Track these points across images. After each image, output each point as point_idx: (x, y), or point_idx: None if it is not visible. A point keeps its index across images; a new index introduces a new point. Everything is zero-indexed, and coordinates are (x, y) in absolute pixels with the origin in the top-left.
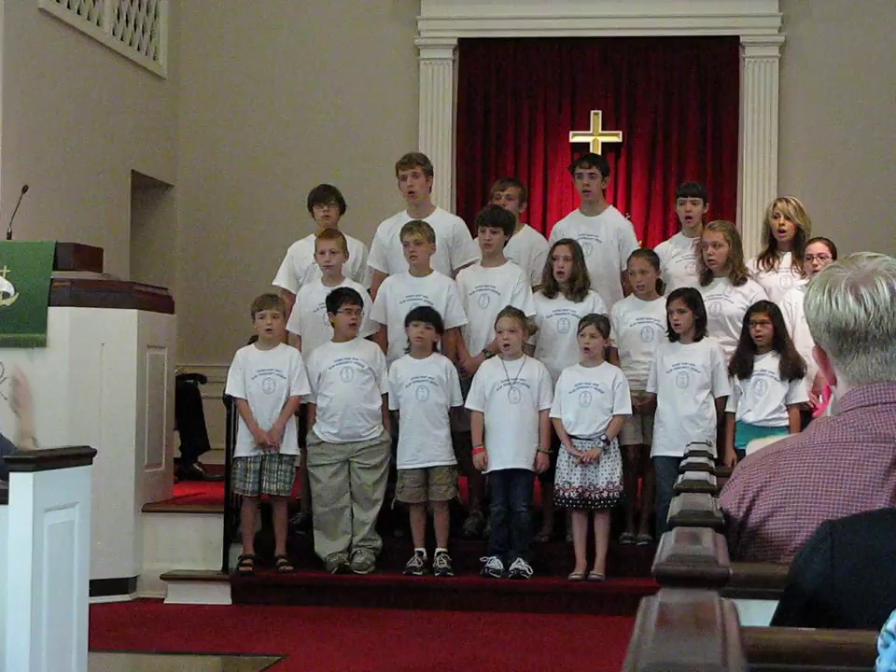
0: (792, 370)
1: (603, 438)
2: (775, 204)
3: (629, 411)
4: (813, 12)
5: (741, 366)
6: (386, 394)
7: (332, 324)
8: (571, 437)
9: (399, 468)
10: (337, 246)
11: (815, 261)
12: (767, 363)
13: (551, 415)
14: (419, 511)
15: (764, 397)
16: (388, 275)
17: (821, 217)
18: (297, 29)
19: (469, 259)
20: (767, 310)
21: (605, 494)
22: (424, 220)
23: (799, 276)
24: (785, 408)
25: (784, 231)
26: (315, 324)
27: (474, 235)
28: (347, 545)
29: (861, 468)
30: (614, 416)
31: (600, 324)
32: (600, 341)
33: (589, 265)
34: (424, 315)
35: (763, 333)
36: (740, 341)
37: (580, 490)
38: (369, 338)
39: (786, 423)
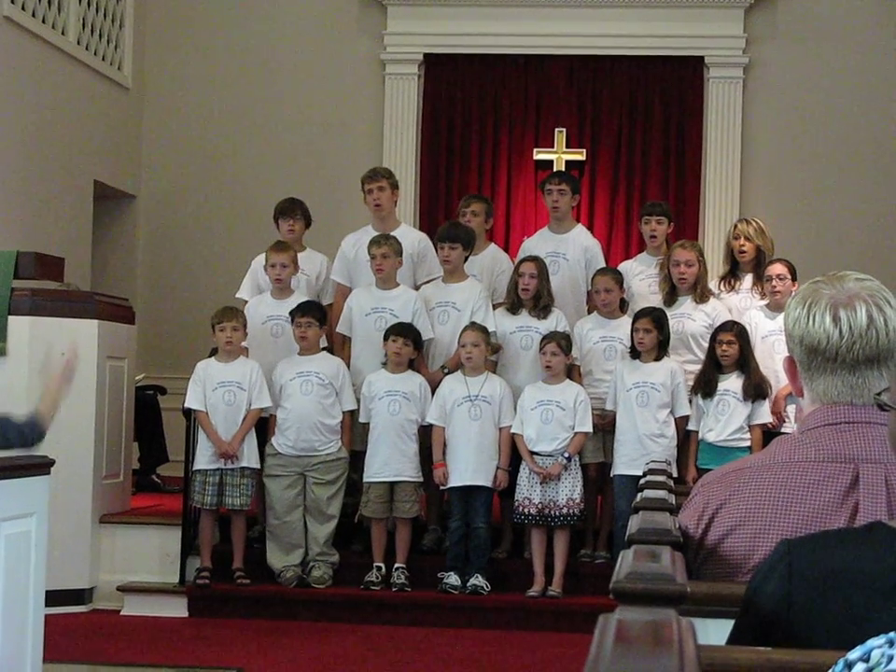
0: (756, 391)
1: (565, 455)
2: (736, 226)
3: (590, 428)
4: (777, 34)
5: (705, 385)
6: (348, 411)
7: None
8: (533, 453)
9: (364, 481)
10: (287, 260)
11: (774, 282)
12: (731, 383)
13: (512, 431)
14: (381, 526)
15: (727, 416)
16: (351, 289)
17: (784, 237)
18: (262, 42)
19: (434, 274)
20: (734, 330)
21: (564, 510)
22: (391, 234)
23: (759, 297)
24: (747, 428)
25: (745, 253)
26: (262, 336)
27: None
28: (301, 559)
29: (820, 488)
30: (576, 434)
31: (561, 341)
32: (562, 358)
33: (556, 283)
34: (404, 331)
35: (729, 353)
36: (706, 360)
37: (539, 506)
38: (330, 351)
39: (748, 443)
